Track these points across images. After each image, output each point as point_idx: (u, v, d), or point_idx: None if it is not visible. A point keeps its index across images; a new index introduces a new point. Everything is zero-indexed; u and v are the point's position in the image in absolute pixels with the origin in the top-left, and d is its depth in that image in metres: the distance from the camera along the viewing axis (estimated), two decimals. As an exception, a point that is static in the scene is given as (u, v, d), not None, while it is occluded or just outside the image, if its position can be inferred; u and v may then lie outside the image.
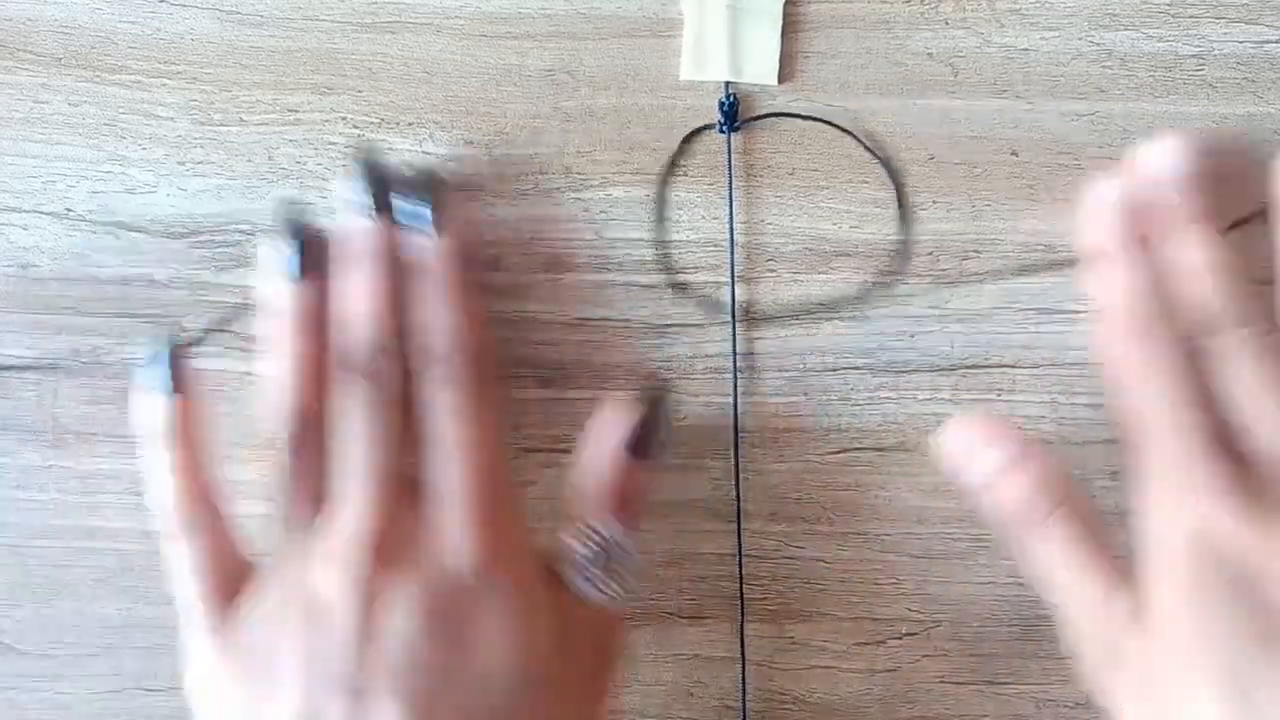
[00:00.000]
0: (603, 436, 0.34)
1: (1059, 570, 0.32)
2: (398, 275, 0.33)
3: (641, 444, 0.33)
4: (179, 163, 0.38)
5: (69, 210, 0.38)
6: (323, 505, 0.32)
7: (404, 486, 0.32)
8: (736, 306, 0.38)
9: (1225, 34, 0.37)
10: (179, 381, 0.34)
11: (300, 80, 0.38)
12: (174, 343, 0.35)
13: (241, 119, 0.38)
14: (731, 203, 0.38)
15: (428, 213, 0.33)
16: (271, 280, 0.34)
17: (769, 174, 0.38)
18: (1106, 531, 0.32)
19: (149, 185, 0.38)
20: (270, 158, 0.38)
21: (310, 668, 0.29)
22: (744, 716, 0.38)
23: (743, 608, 0.38)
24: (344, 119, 0.38)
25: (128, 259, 0.38)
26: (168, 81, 0.38)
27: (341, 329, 0.33)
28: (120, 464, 0.38)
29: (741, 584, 0.38)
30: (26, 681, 0.39)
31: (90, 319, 0.38)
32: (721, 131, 0.37)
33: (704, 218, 0.38)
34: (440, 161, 0.36)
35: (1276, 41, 0.37)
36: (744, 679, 0.38)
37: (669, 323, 0.38)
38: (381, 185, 0.34)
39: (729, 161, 0.38)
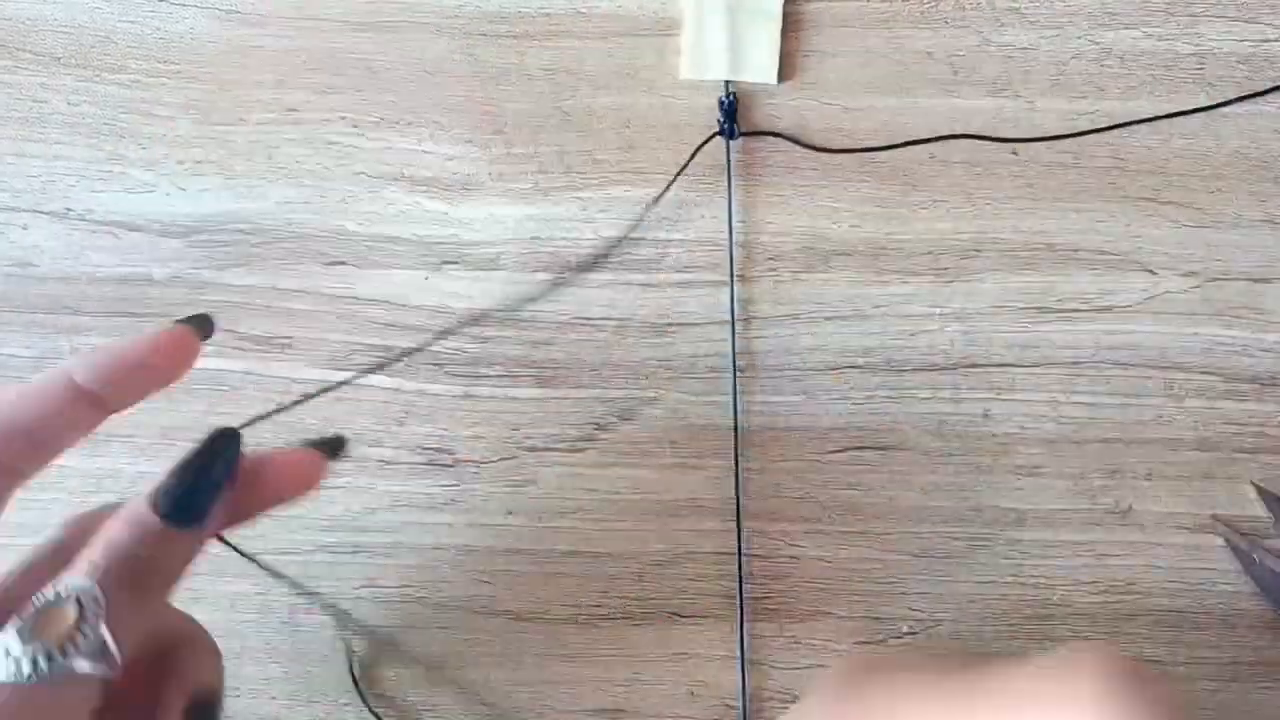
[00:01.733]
0: (140, 497, 0.26)
1: None
2: None
3: (182, 499, 0.25)
4: (178, 162, 0.38)
5: (68, 209, 0.38)
6: None
7: None
8: (736, 306, 0.38)
9: (1224, 33, 0.37)
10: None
11: (300, 79, 0.38)
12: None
13: (241, 118, 0.38)
14: (731, 204, 0.38)
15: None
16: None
17: (769, 174, 0.38)
18: None
19: (148, 184, 0.38)
20: (270, 157, 0.38)
21: None
22: (744, 715, 0.38)
23: (742, 607, 0.38)
24: (344, 118, 0.38)
25: (126, 258, 0.38)
26: (167, 81, 0.38)
27: None
28: (120, 463, 0.38)
29: (741, 583, 0.38)
30: (25, 681, 0.38)
31: (89, 318, 0.38)
32: (723, 134, 0.37)
33: (704, 217, 0.38)
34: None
35: (1276, 40, 0.37)
36: (744, 678, 0.38)
37: (669, 322, 0.38)
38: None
39: (728, 164, 0.38)
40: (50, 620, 0.23)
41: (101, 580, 0.23)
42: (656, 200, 0.38)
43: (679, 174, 0.37)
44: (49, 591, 0.23)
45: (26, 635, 0.22)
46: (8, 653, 0.22)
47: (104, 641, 0.23)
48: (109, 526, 0.25)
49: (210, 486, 0.26)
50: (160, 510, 0.25)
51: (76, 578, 0.23)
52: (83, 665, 0.23)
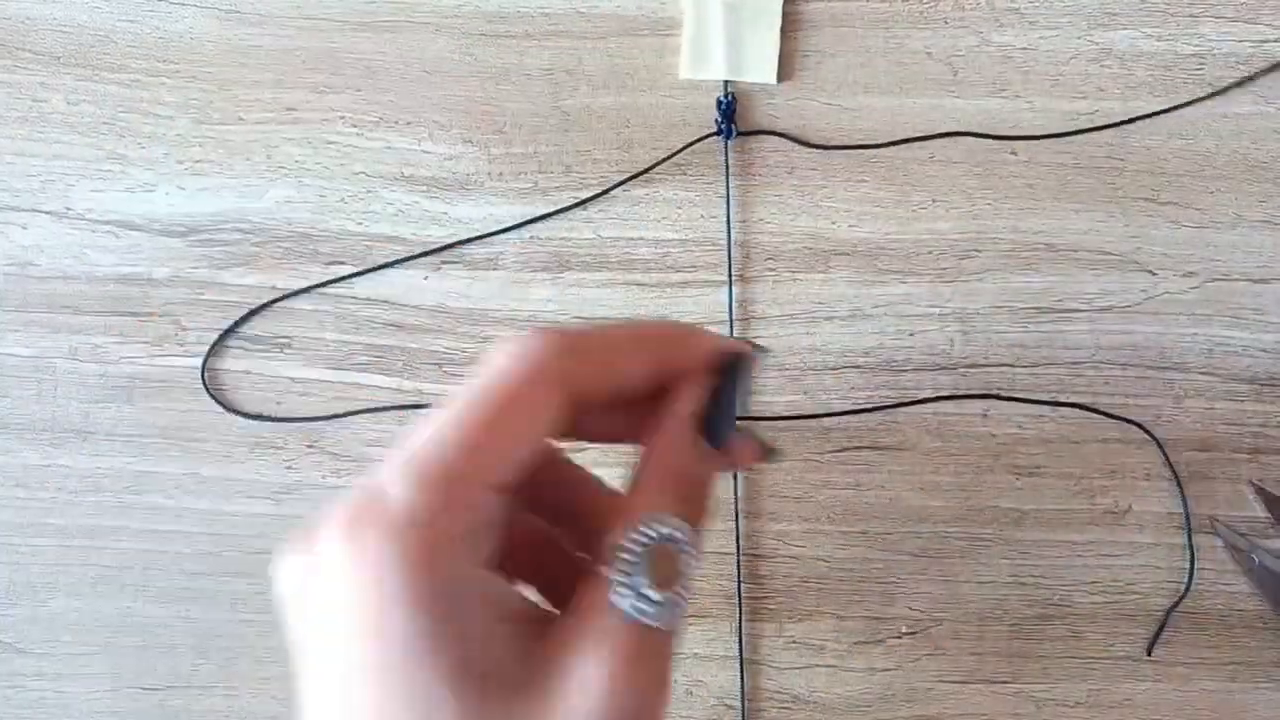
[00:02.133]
0: (670, 415, 0.26)
1: None
2: None
3: (710, 422, 0.26)
4: (178, 161, 0.38)
5: (68, 209, 0.38)
6: None
7: None
8: (735, 305, 0.38)
9: (1224, 33, 0.37)
10: None
11: (299, 79, 0.38)
12: None
13: (240, 117, 0.38)
14: (729, 205, 0.38)
15: None
16: None
17: (768, 173, 0.38)
18: None
19: (148, 184, 0.38)
20: (269, 156, 0.38)
21: None
22: (743, 715, 0.38)
23: (741, 606, 0.38)
24: (343, 118, 0.38)
25: (126, 257, 0.38)
26: (167, 80, 0.38)
27: None
28: (119, 462, 0.38)
29: (740, 583, 0.38)
30: (25, 680, 0.39)
31: (89, 317, 0.38)
32: (720, 134, 0.37)
33: (703, 217, 0.38)
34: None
35: (1276, 41, 0.37)
36: (742, 678, 0.38)
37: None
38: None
39: (726, 164, 0.38)
40: (661, 562, 0.23)
41: (685, 516, 0.24)
42: (633, 177, 0.38)
43: (663, 161, 0.37)
44: (650, 530, 0.23)
45: (652, 580, 0.23)
46: (650, 599, 0.23)
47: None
48: (665, 453, 0.25)
49: (734, 410, 0.26)
50: (709, 437, 0.25)
51: (674, 521, 0.24)
52: (685, 607, 0.24)
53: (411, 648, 0.21)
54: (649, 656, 0.23)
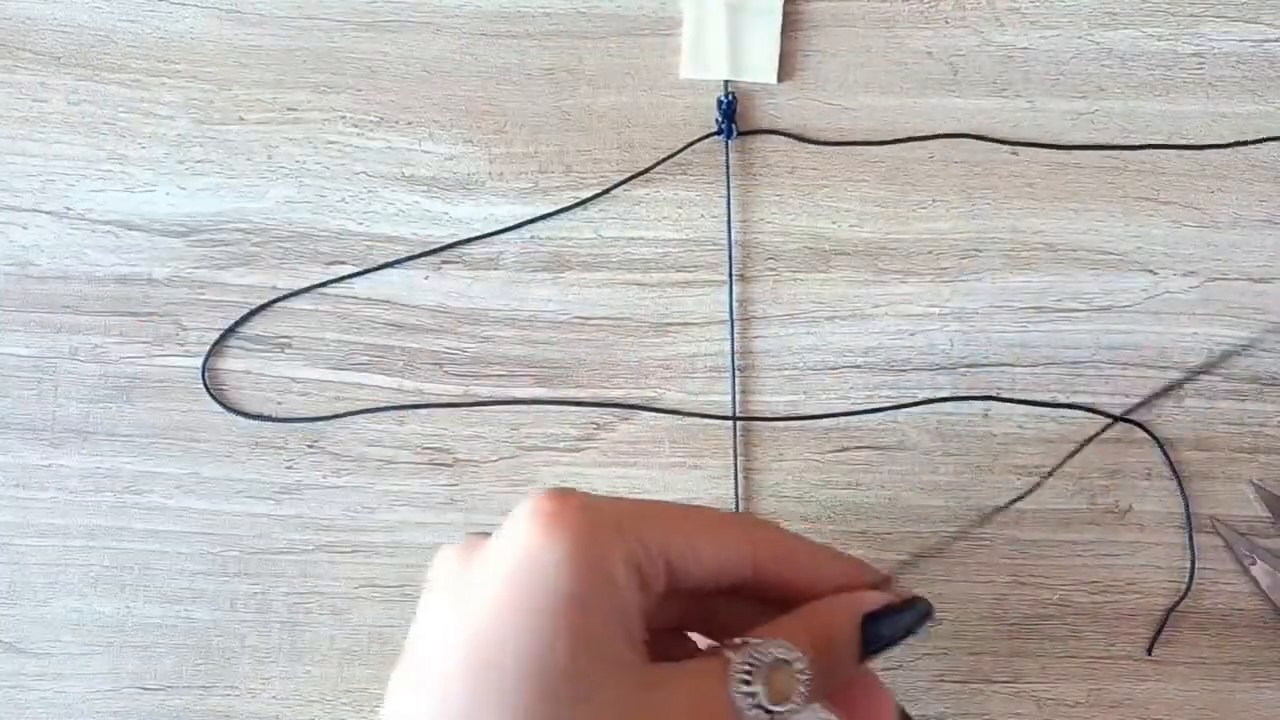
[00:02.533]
0: (852, 596, 0.28)
1: None
2: None
3: (875, 637, 0.27)
4: (178, 161, 0.38)
5: (68, 209, 0.38)
6: None
7: None
8: (735, 305, 0.38)
9: (1225, 32, 0.37)
10: None
11: (300, 79, 0.38)
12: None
13: (241, 118, 0.38)
14: (730, 205, 0.38)
15: None
16: None
17: (768, 172, 0.38)
18: None
19: (148, 184, 0.38)
20: (270, 156, 0.38)
21: None
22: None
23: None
24: (343, 118, 0.38)
25: (127, 257, 0.38)
26: (167, 80, 0.38)
27: None
28: (119, 462, 0.38)
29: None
30: (25, 680, 0.39)
31: (89, 317, 0.38)
32: (720, 134, 0.37)
33: (703, 216, 0.38)
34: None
35: (1276, 40, 0.37)
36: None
37: (669, 321, 0.38)
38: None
39: (726, 164, 0.38)
40: (778, 674, 0.25)
41: (816, 657, 0.26)
42: (633, 177, 0.38)
43: (663, 160, 0.37)
44: (776, 650, 0.25)
45: (763, 682, 0.25)
46: (753, 695, 0.25)
47: (813, 708, 0.26)
48: (833, 616, 0.27)
49: (898, 641, 0.28)
50: (866, 641, 0.27)
51: (799, 650, 0.26)
52: None
53: (606, 620, 0.24)
54: None
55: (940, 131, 0.37)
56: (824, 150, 0.38)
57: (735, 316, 0.38)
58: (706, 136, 0.37)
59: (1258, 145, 0.37)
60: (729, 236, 0.38)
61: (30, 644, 0.39)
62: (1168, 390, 0.38)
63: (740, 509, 0.38)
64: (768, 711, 0.25)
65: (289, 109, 0.38)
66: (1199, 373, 0.38)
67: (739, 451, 0.38)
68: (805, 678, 0.26)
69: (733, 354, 0.38)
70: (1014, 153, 0.38)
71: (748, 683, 0.25)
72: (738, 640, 0.26)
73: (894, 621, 0.27)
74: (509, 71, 0.38)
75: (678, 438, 0.38)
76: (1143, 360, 0.37)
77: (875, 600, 0.28)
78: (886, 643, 0.27)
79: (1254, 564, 0.37)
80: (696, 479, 0.38)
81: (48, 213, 0.38)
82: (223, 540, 0.38)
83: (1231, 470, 0.38)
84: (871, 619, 0.27)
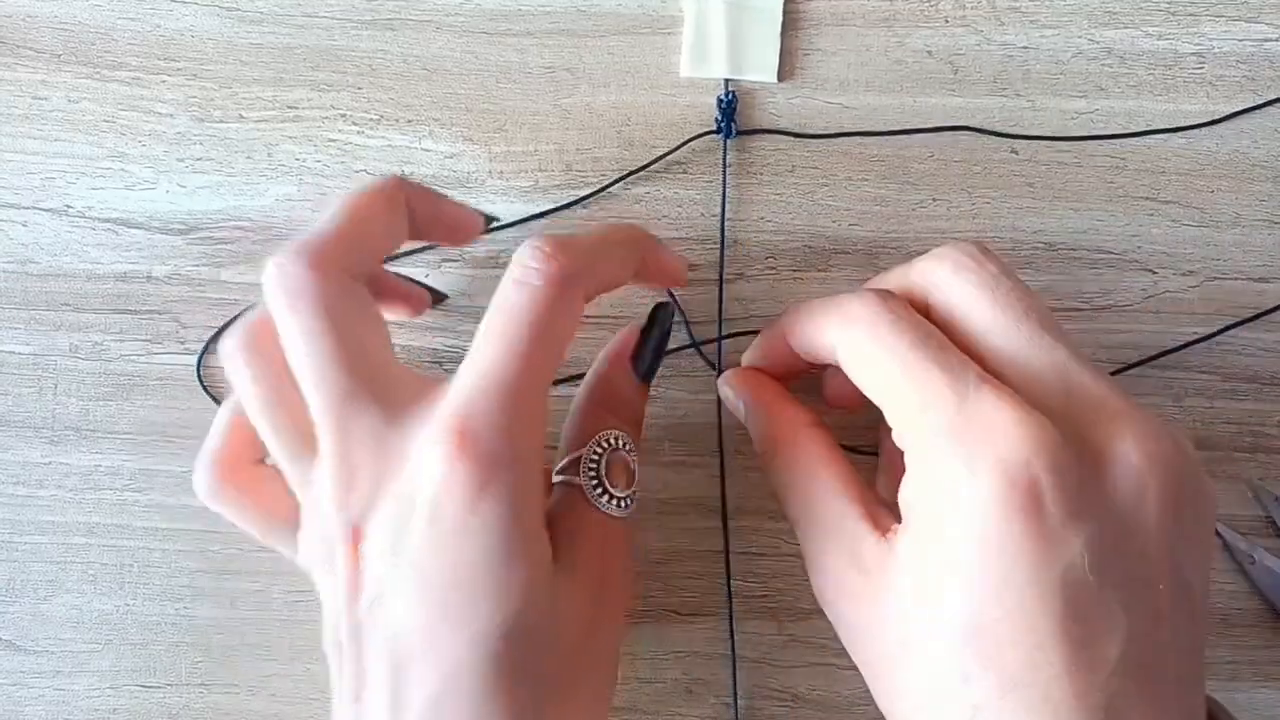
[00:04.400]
0: (613, 353, 0.33)
1: (810, 481, 0.31)
2: None
3: (640, 360, 0.33)
4: (178, 159, 0.38)
5: (68, 207, 0.38)
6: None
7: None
8: (728, 306, 0.38)
9: (1225, 32, 0.37)
10: None
11: (300, 77, 0.38)
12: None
13: (241, 116, 0.38)
14: (724, 203, 0.38)
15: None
16: None
17: (768, 171, 0.38)
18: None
19: (148, 182, 0.38)
20: (270, 155, 0.38)
21: (330, 605, 0.29)
22: (735, 714, 0.38)
23: (731, 604, 0.38)
24: (343, 116, 0.38)
25: (126, 255, 0.38)
26: (167, 78, 0.38)
27: None
28: (119, 460, 0.38)
29: (729, 580, 0.38)
30: (25, 677, 0.39)
31: (89, 315, 0.38)
32: (718, 133, 0.37)
33: (702, 215, 0.38)
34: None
35: (1276, 40, 0.37)
36: (734, 676, 0.38)
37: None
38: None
39: (724, 163, 0.38)
40: (620, 466, 0.31)
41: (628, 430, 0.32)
42: (633, 173, 0.38)
43: (661, 158, 0.37)
44: (607, 441, 0.31)
45: (610, 479, 0.31)
46: (619, 501, 0.31)
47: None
48: (613, 383, 0.33)
49: (661, 353, 0.34)
50: (639, 371, 0.33)
51: (623, 431, 0.32)
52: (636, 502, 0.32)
53: None
54: (623, 540, 0.32)
55: (940, 130, 0.37)
56: (824, 149, 0.38)
57: (726, 315, 0.38)
58: (705, 134, 0.37)
59: (1256, 143, 0.37)
60: (721, 234, 0.38)
61: (30, 641, 0.39)
62: (1167, 389, 0.38)
63: (726, 506, 0.38)
64: (630, 501, 0.31)
65: (289, 107, 0.38)
66: (1199, 372, 0.38)
67: (734, 449, 0.38)
68: (630, 447, 0.32)
69: (719, 353, 0.38)
70: (1014, 151, 0.38)
71: (602, 489, 0.31)
72: (565, 462, 0.31)
73: (650, 347, 0.33)
74: (509, 70, 0.38)
75: (678, 436, 0.38)
76: (1142, 360, 0.37)
77: (629, 344, 0.33)
78: (653, 364, 0.33)
79: (1253, 564, 0.37)
80: (695, 477, 0.38)
81: (47, 210, 0.38)
82: (222, 538, 0.38)
83: (1231, 470, 0.38)
84: (636, 356, 0.33)
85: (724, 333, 0.38)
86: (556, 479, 0.31)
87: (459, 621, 0.27)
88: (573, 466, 0.31)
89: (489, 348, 0.28)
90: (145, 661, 0.38)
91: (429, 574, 0.27)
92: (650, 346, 0.33)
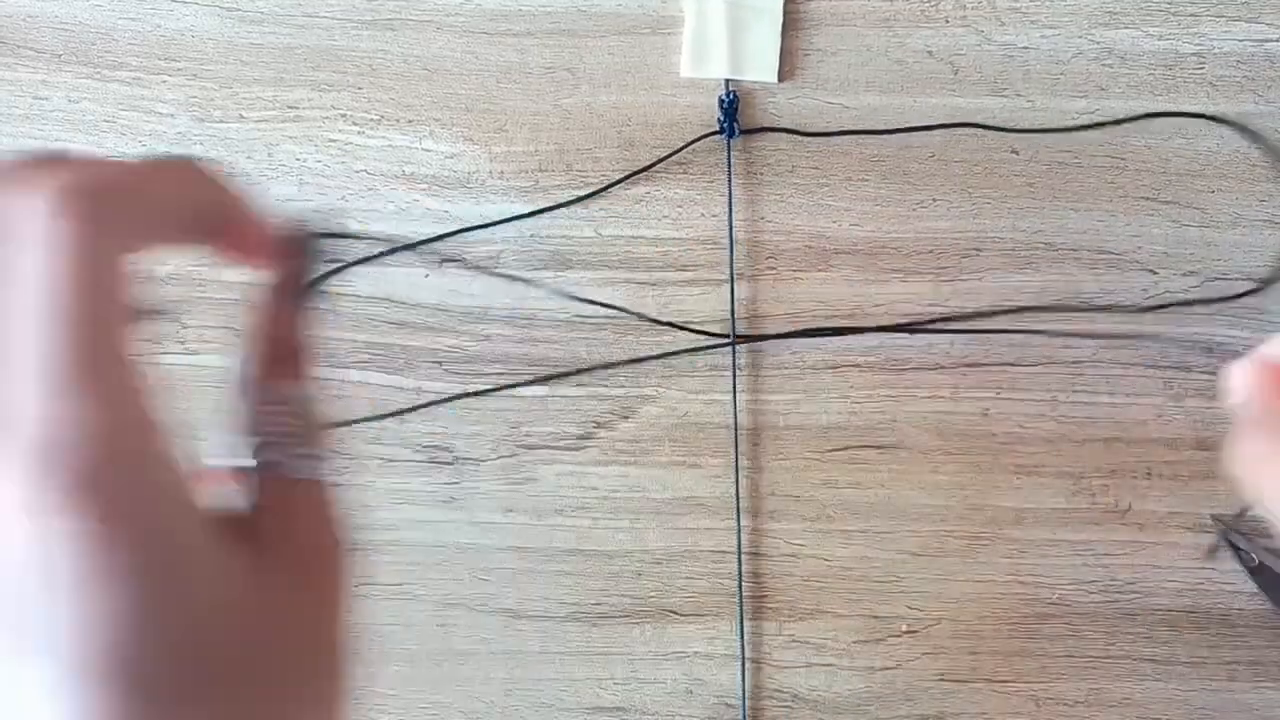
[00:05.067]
0: (260, 294, 0.29)
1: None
2: None
3: (288, 289, 0.29)
4: (179, 159, 0.38)
5: (69, 206, 0.38)
6: None
7: None
8: (727, 305, 0.38)
9: (1225, 32, 0.37)
10: None
11: (300, 77, 0.38)
12: None
13: (241, 116, 0.38)
14: (731, 205, 0.38)
15: None
16: None
17: (769, 171, 0.38)
18: None
19: (149, 182, 0.38)
20: (270, 154, 0.38)
21: None
22: (744, 714, 0.38)
23: (741, 605, 0.38)
24: (344, 116, 0.38)
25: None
26: (168, 78, 0.38)
27: None
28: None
29: (741, 580, 0.38)
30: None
31: (89, 315, 0.38)
32: (722, 134, 0.37)
33: (703, 215, 0.38)
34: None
35: (1277, 40, 0.37)
36: (744, 676, 0.38)
37: (668, 320, 0.38)
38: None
39: (729, 163, 0.38)
40: (296, 422, 0.27)
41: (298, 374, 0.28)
42: (635, 174, 0.38)
43: (666, 158, 0.37)
44: (273, 397, 0.27)
45: (301, 439, 0.27)
46: (305, 455, 0.26)
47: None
48: (267, 327, 0.28)
49: (309, 280, 0.29)
50: (291, 300, 0.28)
51: (291, 385, 0.27)
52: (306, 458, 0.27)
53: None
54: (324, 504, 0.27)
55: (941, 130, 0.37)
56: (824, 149, 0.38)
57: (737, 315, 0.38)
58: (709, 135, 0.37)
59: (1254, 145, 0.37)
60: (730, 234, 0.38)
61: (30, 642, 0.39)
62: (1167, 390, 0.38)
63: (740, 508, 0.38)
64: (309, 457, 0.27)
65: (289, 107, 0.38)
66: (1199, 372, 0.38)
67: (739, 450, 0.38)
68: (306, 404, 0.27)
69: (733, 352, 0.38)
70: (1014, 151, 0.38)
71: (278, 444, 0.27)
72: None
73: (304, 276, 0.29)
74: (510, 70, 0.38)
75: (678, 436, 0.38)
76: (1143, 360, 0.37)
77: (281, 275, 0.29)
78: (306, 291, 0.29)
79: (1253, 564, 0.37)
80: (696, 477, 0.38)
81: (48, 210, 0.38)
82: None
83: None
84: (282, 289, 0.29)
85: (735, 334, 0.38)
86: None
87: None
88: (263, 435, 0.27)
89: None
90: (145, 661, 0.38)
91: None
92: (300, 272, 0.29)
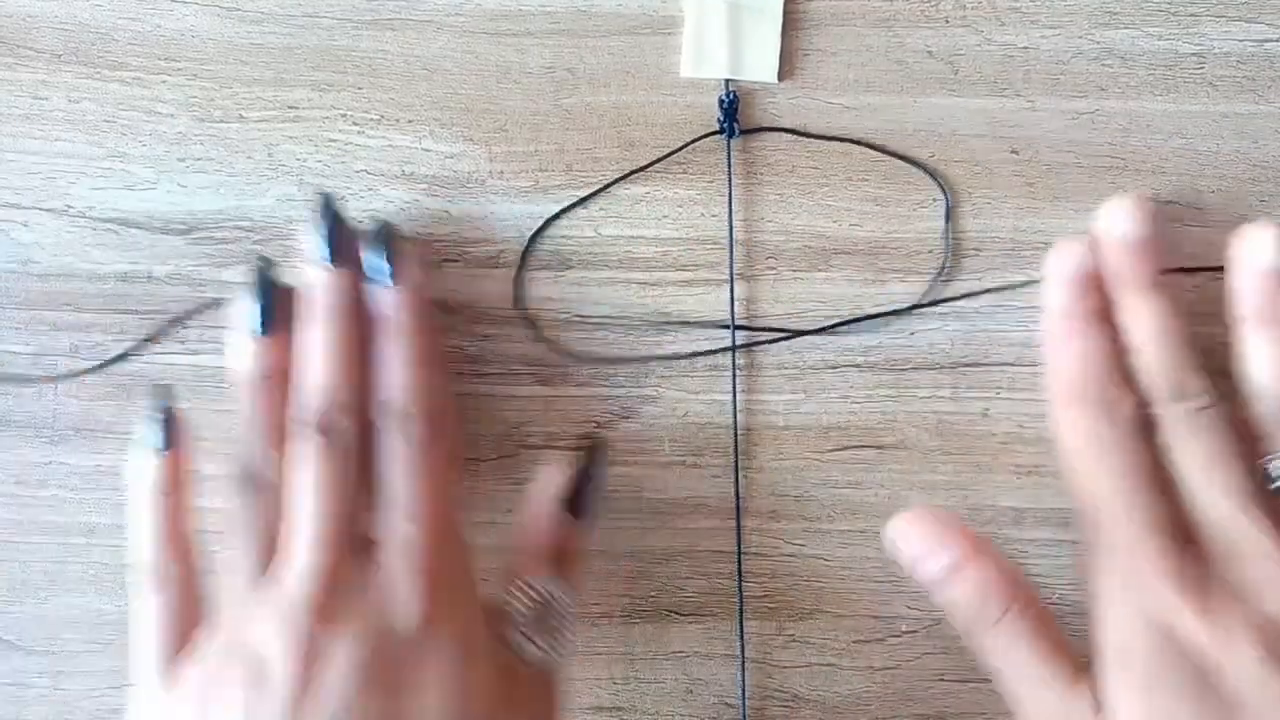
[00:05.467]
0: (541, 494, 0.35)
1: (1013, 670, 0.32)
2: (359, 327, 0.33)
3: (578, 500, 0.34)
4: (179, 159, 0.38)
5: (69, 207, 0.38)
6: (272, 558, 0.32)
7: (354, 541, 0.32)
8: (726, 306, 0.38)
9: (1225, 32, 0.37)
10: (171, 437, 0.35)
11: (300, 77, 0.38)
12: (167, 402, 0.35)
13: (241, 116, 0.38)
14: (731, 204, 0.38)
15: (386, 265, 0.33)
16: (237, 336, 0.34)
17: (769, 171, 0.38)
18: (1058, 627, 0.32)
19: (149, 182, 0.38)
20: (270, 155, 0.38)
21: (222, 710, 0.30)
22: (744, 715, 0.38)
23: (741, 605, 0.38)
24: (344, 116, 0.38)
25: (127, 255, 0.38)
26: (168, 78, 0.38)
27: (300, 382, 0.33)
28: (119, 460, 0.38)
29: (740, 581, 0.38)
30: (26, 678, 0.39)
31: (90, 315, 0.38)
32: (722, 133, 0.37)
33: (703, 215, 0.38)
34: (389, 218, 0.36)
35: (1277, 40, 0.37)
36: (743, 677, 0.38)
37: (669, 320, 0.38)
38: (340, 235, 0.34)
39: (729, 163, 0.38)
40: (548, 615, 0.33)
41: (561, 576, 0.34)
42: (634, 173, 0.38)
43: (665, 157, 0.37)
44: (539, 589, 0.33)
45: (533, 627, 0.33)
46: (541, 650, 0.33)
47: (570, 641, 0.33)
48: (540, 529, 0.34)
49: (598, 487, 0.35)
50: (578, 513, 0.34)
51: (561, 585, 0.33)
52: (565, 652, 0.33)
53: None
54: (551, 688, 0.34)
55: (940, 130, 0.37)
56: (824, 149, 0.38)
57: (737, 315, 0.38)
58: (709, 135, 0.37)
59: (1257, 143, 0.37)
60: (730, 236, 0.38)
61: (30, 642, 0.39)
62: (1167, 390, 0.38)
63: (740, 507, 0.38)
64: (553, 649, 0.33)
65: (289, 107, 0.38)
66: (1199, 372, 0.38)
67: (739, 450, 0.38)
68: (557, 594, 0.33)
69: (733, 351, 0.38)
70: (1014, 152, 0.38)
71: (525, 638, 0.32)
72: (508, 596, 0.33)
73: (590, 489, 0.34)
74: (509, 70, 0.38)
75: (678, 436, 0.38)
76: (1143, 360, 0.37)
77: (555, 486, 0.35)
78: (593, 505, 0.34)
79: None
80: (696, 477, 0.38)
81: (48, 210, 0.38)
82: (222, 539, 0.38)
83: (1231, 470, 0.38)
84: (575, 498, 0.34)
85: (735, 331, 0.38)
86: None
87: None
88: (502, 614, 0.33)
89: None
90: (146, 661, 0.38)
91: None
92: (590, 488, 0.34)
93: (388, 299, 0.33)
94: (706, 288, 0.38)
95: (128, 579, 0.34)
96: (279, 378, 0.33)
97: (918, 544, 0.33)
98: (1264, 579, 0.29)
